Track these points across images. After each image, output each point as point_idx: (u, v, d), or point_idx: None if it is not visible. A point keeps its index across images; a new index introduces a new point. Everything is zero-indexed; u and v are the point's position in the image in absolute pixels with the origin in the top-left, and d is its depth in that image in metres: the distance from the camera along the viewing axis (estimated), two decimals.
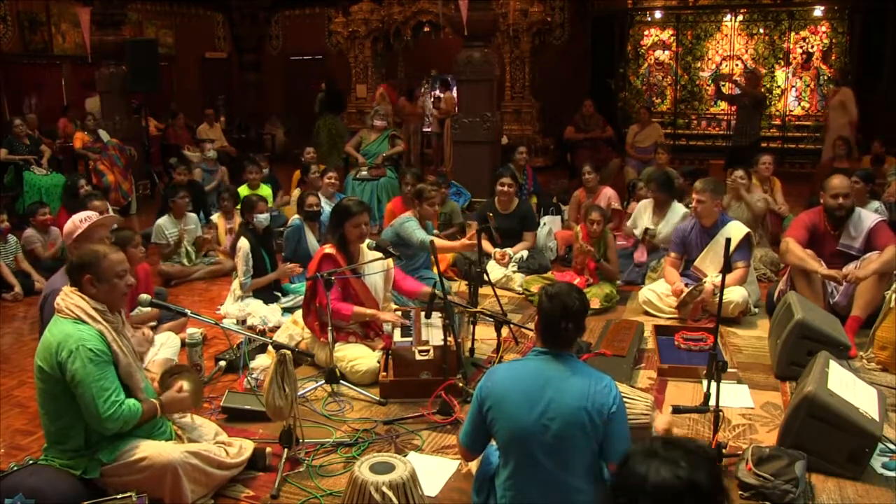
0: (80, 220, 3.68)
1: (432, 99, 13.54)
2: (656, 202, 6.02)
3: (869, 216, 4.59)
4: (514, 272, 5.74)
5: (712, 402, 2.99)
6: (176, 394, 2.91)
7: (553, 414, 2.25)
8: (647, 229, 5.88)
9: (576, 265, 5.53)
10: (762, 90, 11.92)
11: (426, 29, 12.16)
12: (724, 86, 11.22)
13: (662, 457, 1.43)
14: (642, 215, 6.08)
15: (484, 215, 5.54)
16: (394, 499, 2.33)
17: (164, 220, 6.21)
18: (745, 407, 3.58)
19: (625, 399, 2.39)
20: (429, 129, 12.91)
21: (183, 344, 4.11)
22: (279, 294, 5.34)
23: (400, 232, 5.05)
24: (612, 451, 2.27)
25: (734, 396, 3.65)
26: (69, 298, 2.73)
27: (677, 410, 3.17)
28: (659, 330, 4.54)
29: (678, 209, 5.93)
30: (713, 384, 3.00)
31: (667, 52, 12.61)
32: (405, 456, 2.90)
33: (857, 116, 9.21)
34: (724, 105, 12.00)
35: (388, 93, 11.27)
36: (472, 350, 4.24)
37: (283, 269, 5.37)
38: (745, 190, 6.04)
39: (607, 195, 6.70)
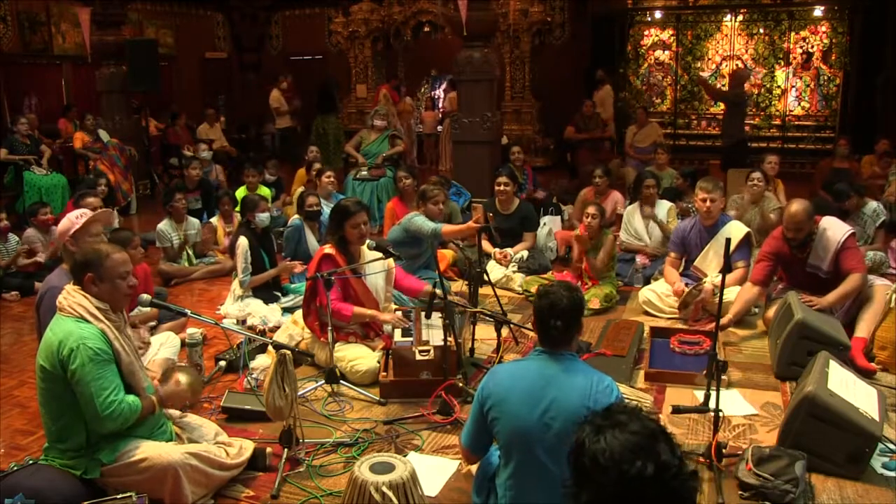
0: (75, 217, 3.66)
1: (428, 99, 13.51)
2: (650, 202, 6.05)
3: (838, 232, 4.23)
4: (514, 272, 5.74)
5: (712, 403, 3.00)
6: (174, 387, 2.91)
7: (555, 413, 2.25)
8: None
9: (574, 266, 5.52)
10: (758, 90, 11.95)
11: (426, 29, 12.16)
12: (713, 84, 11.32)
13: (610, 425, 1.44)
14: (632, 219, 6.13)
15: (484, 214, 5.53)
16: (394, 499, 2.33)
17: (164, 225, 6.21)
18: (749, 414, 3.51)
19: (624, 399, 2.38)
20: (419, 130, 12.86)
21: (183, 344, 4.12)
22: (279, 294, 5.34)
23: (409, 227, 5.05)
24: None
25: (733, 404, 3.59)
26: (71, 297, 2.73)
27: (677, 410, 3.17)
28: (655, 332, 4.46)
29: (663, 205, 6.03)
30: (713, 384, 3.00)
31: (667, 52, 12.60)
32: (405, 456, 2.90)
33: (611, 114, 10.51)
34: (723, 105, 12.00)
35: (391, 94, 11.25)
36: (472, 350, 4.24)
37: (284, 266, 5.39)
38: (762, 197, 5.99)
39: (615, 199, 6.70)
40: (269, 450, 3.12)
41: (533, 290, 5.30)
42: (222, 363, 4.13)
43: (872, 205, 6.19)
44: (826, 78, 11.74)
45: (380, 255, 4.08)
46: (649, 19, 12.60)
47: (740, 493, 2.82)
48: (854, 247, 4.23)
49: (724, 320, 4.25)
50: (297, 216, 5.76)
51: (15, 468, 2.73)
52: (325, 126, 10.08)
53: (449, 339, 3.63)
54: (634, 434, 1.41)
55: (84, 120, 9.84)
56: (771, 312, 4.39)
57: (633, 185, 6.48)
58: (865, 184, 7.31)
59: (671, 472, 1.38)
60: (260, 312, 4.98)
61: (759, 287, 4.44)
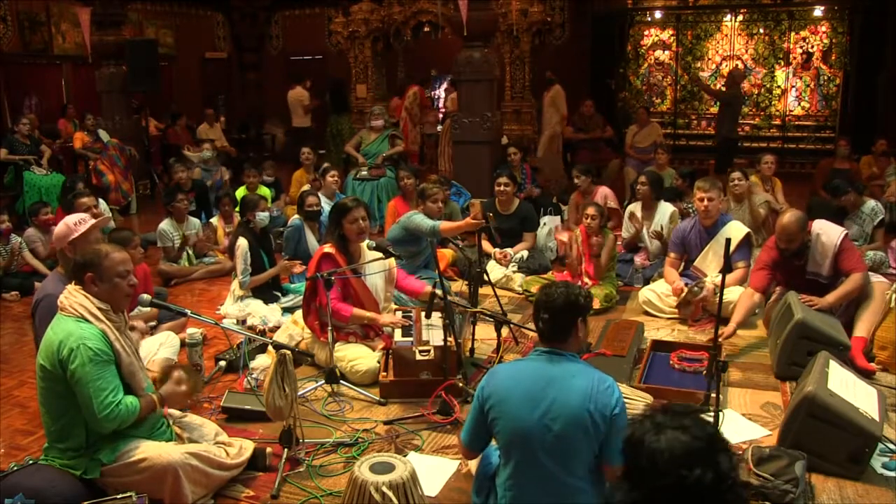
0: (73, 224, 3.56)
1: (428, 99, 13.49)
2: (644, 203, 6.04)
3: (832, 235, 4.17)
4: (514, 272, 5.74)
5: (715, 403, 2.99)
6: (174, 387, 2.91)
7: (555, 414, 2.25)
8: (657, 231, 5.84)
9: (569, 266, 5.50)
10: (758, 90, 11.96)
11: (426, 29, 12.15)
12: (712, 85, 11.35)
13: (671, 426, 1.40)
14: (634, 217, 6.10)
15: (485, 214, 5.54)
16: (394, 499, 2.33)
17: (165, 225, 6.21)
18: (759, 436, 3.33)
19: (625, 399, 2.38)
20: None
21: (183, 344, 4.12)
22: (279, 294, 5.34)
23: (408, 226, 5.05)
24: (611, 453, 2.26)
25: (733, 425, 3.41)
26: (73, 297, 2.73)
27: None
28: (656, 345, 4.28)
29: (665, 208, 5.96)
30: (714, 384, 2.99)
31: (667, 52, 12.61)
32: (405, 456, 2.90)
33: (566, 113, 9.93)
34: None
35: (420, 94, 11.22)
36: (472, 350, 4.24)
37: (283, 265, 5.39)
38: (748, 193, 5.99)
39: (603, 194, 6.70)
40: (269, 450, 3.12)
41: (533, 290, 5.31)
42: (222, 363, 4.13)
43: (870, 203, 6.20)
44: (826, 78, 11.74)
45: (380, 255, 4.08)
46: (649, 19, 12.61)
47: None
48: (851, 247, 4.19)
49: (727, 330, 4.17)
50: (297, 216, 5.76)
51: (15, 468, 2.73)
52: (339, 126, 10.09)
53: (449, 339, 3.63)
54: (696, 439, 1.37)
55: (84, 120, 9.83)
56: (771, 313, 4.39)
57: (632, 185, 6.48)
58: (865, 184, 7.32)
59: (727, 484, 1.34)
60: (260, 312, 4.98)
61: (759, 294, 4.40)
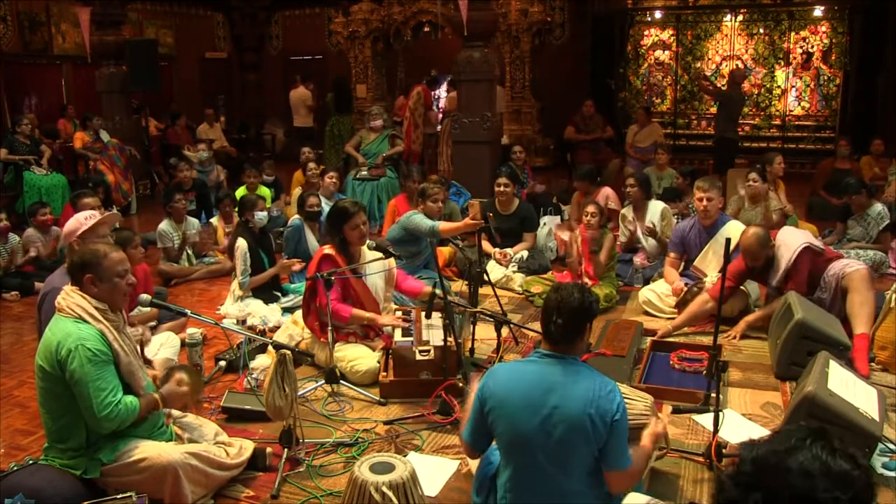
0: (84, 219, 3.68)
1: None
2: (635, 204, 6.04)
3: (789, 249, 4.30)
4: (514, 272, 5.74)
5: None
6: (175, 387, 2.91)
7: (557, 420, 2.23)
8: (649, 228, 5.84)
9: (570, 265, 5.49)
10: (758, 90, 11.95)
11: (426, 29, 12.16)
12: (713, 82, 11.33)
13: (846, 455, 1.39)
14: (627, 219, 6.11)
15: (484, 214, 5.54)
16: (394, 499, 2.33)
17: (164, 225, 6.21)
18: (763, 435, 3.30)
19: (624, 399, 2.38)
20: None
21: (183, 344, 4.12)
22: (279, 294, 5.34)
23: (407, 226, 5.06)
24: (611, 457, 2.25)
25: (734, 425, 3.37)
26: (70, 297, 2.73)
27: (677, 411, 3.17)
28: (656, 345, 4.27)
29: (656, 206, 5.97)
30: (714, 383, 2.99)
31: (667, 52, 12.60)
32: (405, 456, 2.90)
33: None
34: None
35: (425, 93, 11.23)
36: (472, 350, 4.24)
37: (283, 265, 5.38)
38: (765, 196, 5.98)
39: (605, 194, 6.71)
40: (269, 450, 3.12)
41: (533, 290, 5.31)
42: (222, 363, 4.13)
43: (878, 207, 6.18)
44: (826, 78, 11.74)
45: (380, 255, 4.08)
46: (649, 19, 12.60)
47: None
48: (803, 269, 4.24)
49: (662, 330, 4.39)
50: (297, 216, 5.77)
51: (15, 468, 2.73)
52: (339, 127, 10.09)
53: (449, 339, 3.63)
54: (858, 479, 1.35)
55: (88, 120, 9.79)
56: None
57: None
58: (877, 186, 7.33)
59: None
60: (260, 312, 4.98)
61: (713, 303, 4.38)
